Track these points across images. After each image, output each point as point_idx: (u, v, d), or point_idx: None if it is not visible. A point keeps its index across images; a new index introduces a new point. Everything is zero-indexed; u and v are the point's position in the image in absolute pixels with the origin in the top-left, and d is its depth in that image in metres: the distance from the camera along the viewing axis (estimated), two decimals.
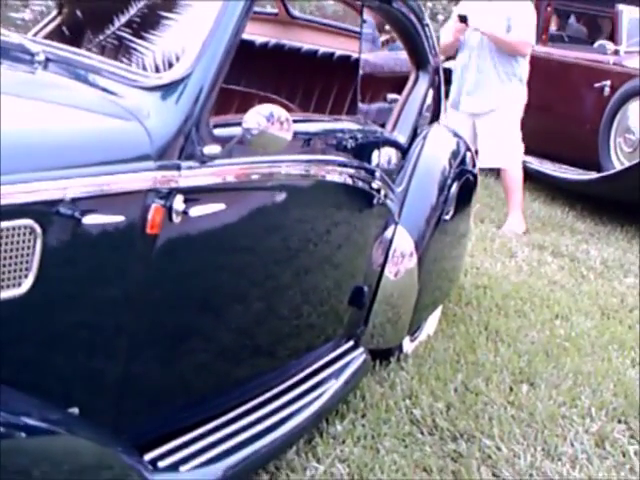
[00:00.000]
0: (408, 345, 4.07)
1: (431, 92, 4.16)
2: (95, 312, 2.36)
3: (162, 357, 2.61)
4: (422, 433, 3.41)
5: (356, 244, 3.43)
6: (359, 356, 3.60)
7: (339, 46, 4.36)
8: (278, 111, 2.50)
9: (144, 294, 2.44)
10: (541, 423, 3.53)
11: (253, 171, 2.68)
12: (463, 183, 4.16)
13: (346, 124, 3.38)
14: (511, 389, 3.81)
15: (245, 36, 4.37)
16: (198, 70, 2.51)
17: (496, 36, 6.27)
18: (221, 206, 2.56)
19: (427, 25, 3.98)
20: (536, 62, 7.62)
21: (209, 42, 2.55)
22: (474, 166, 4.42)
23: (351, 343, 3.65)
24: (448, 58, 6.60)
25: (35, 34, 4.02)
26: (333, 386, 3.34)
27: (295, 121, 3.08)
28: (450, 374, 3.84)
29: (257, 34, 4.42)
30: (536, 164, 7.50)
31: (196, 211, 2.47)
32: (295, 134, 2.82)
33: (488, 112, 6.43)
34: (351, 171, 3.22)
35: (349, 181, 3.21)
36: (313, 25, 4.56)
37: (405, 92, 3.92)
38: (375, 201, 3.46)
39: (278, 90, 4.04)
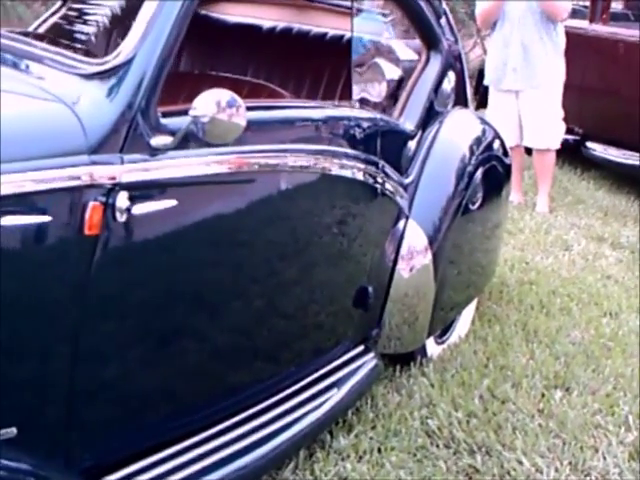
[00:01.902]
0: (433, 348, 3.77)
1: (452, 75, 3.84)
2: (31, 322, 2.13)
3: (123, 367, 2.37)
4: (437, 446, 3.11)
5: (355, 242, 3.14)
6: (369, 361, 3.32)
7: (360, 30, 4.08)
8: (229, 96, 2.25)
9: (87, 300, 2.20)
10: (571, 433, 3.19)
11: (211, 164, 2.41)
12: (490, 170, 3.83)
13: (338, 110, 3.10)
14: (543, 395, 3.47)
15: (252, 20, 4.21)
16: (141, 54, 2.27)
17: None
18: (173, 203, 2.31)
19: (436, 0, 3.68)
20: (600, 43, 7.24)
21: (153, 23, 2.31)
22: (505, 153, 4.08)
23: (361, 348, 3.35)
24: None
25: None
26: (335, 395, 3.08)
27: (270, 107, 2.86)
28: (476, 380, 3.52)
29: (268, 18, 4.18)
30: (600, 150, 7.08)
31: (143, 209, 2.24)
32: (265, 122, 2.58)
33: (534, 88, 6.13)
34: (344, 162, 2.93)
35: (341, 173, 2.93)
36: (330, 7, 4.28)
37: (414, 75, 3.61)
38: (377, 194, 3.16)
39: (285, 76, 3.79)
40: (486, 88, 6.72)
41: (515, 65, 6.15)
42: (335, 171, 2.89)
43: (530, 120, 6.24)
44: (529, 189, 6.67)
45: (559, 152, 6.50)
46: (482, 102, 8.22)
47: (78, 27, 3.74)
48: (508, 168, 4.13)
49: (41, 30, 3.86)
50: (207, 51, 4.07)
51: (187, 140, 2.30)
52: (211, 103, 2.23)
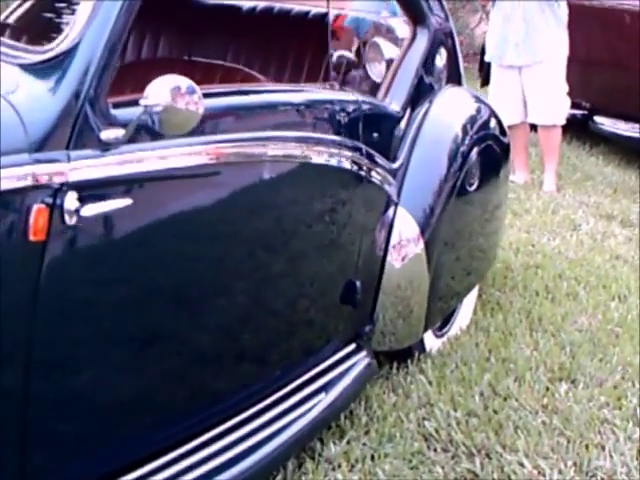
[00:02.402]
0: (432, 342, 3.58)
1: (443, 53, 3.65)
2: None
3: (83, 382, 2.19)
4: (434, 450, 2.94)
5: (339, 234, 2.95)
6: (361, 360, 3.14)
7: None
8: (183, 82, 2.07)
9: (35, 311, 2.01)
10: (576, 431, 3.00)
11: (170, 157, 2.22)
12: (486, 149, 3.63)
13: (313, 93, 2.91)
14: (547, 389, 3.28)
15: (232, 1, 4.03)
16: (87, 39, 2.07)
17: None
18: (128, 202, 2.12)
19: None
20: (604, 14, 7.01)
21: (99, 6, 2.11)
22: (502, 132, 3.88)
23: (353, 346, 3.17)
24: None
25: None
26: (324, 399, 2.90)
27: (238, 92, 2.67)
28: (476, 375, 3.33)
29: None
30: (608, 125, 6.87)
31: (95, 209, 2.05)
32: (232, 108, 2.42)
33: (537, 63, 5.94)
34: (321, 148, 2.74)
35: (319, 160, 2.74)
36: None
37: (400, 53, 3.42)
38: (361, 181, 2.97)
39: (265, 58, 3.61)
40: (489, 64, 6.52)
41: (517, 40, 5.95)
42: (313, 159, 2.71)
43: (534, 96, 6.06)
44: (536, 167, 6.46)
45: (566, 128, 6.32)
46: (486, 79, 8.02)
47: (36, 14, 3.57)
48: (506, 147, 3.94)
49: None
50: (186, 34, 3.90)
51: (141, 132, 2.12)
52: (164, 91, 2.05)
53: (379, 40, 3.38)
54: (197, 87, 2.08)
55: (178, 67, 3.22)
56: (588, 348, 3.57)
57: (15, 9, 3.57)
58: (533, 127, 6.35)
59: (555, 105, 6.05)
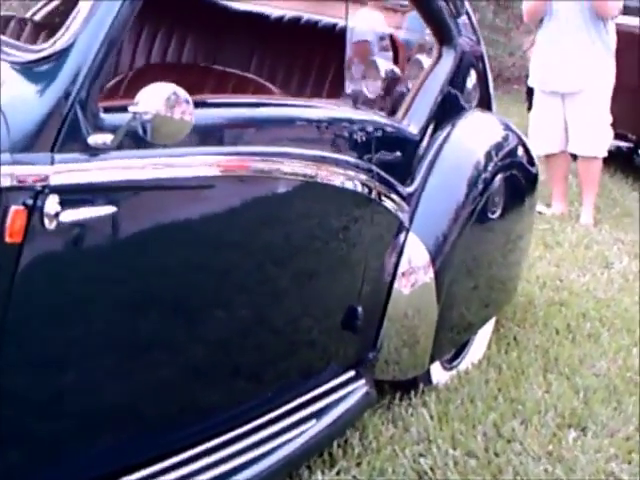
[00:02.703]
0: (440, 375, 3.43)
1: (473, 76, 3.51)
2: None
3: (60, 393, 2.10)
4: None
5: (342, 258, 2.83)
6: (360, 388, 3.01)
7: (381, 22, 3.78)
8: (175, 90, 1.98)
9: (9, 314, 1.93)
10: None
11: (161, 166, 2.13)
12: (510, 178, 3.51)
13: (323, 109, 2.79)
14: (554, 435, 3.11)
15: (260, 8, 3.93)
16: (81, 40, 2.01)
17: None
18: (111, 209, 2.03)
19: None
20: None
21: (97, 6, 2.03)
22: (531, 161, 3.73)
23: (352, 373, 3.04)
24: None
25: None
26: (314, 426, 2.77)
27: (241, 105, 2.57)
28: (481, 414, 3.18)
29: (285, 7, 3.90)
30: None
31: (77, 215, 1.97)
32: (232, 120, 2.37)
33: (581, 91, 5.74)
34: (327, 167, 2.63)
35: (324, 179, 2.62)
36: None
37: (423, 73, 3.29)
38: (368, 204, 2.84)
39: (289, 68, 3.50)
40: (532, 89, 6.36)
41: (562, 65, 5.78)
42: (316, 177, 2.60)
43: (576, 125, 5.87)
44: (575, 198, 6.27)
45: (609, 160, 6.14)
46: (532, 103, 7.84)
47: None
48: (534, 178, 3.79)
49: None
50: (212, 39, 3.82)
51: (131, 139, 2.03)
52: (154, 98, 1.96)
53: (382, 56, 3.24)
54: (189, 96, 2.00)
55: (192, 73, 3.15)
56: (603, 395, 3.40)
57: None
58: (574, 156, 6.16)
59: (597, 136, 5.86)
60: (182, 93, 1.98)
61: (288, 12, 3.82)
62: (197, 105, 2.05)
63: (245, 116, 2.49)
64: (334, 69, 3.37)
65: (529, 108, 7.98)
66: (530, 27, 10.94)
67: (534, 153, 6.10)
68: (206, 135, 2.26)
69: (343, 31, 3.47)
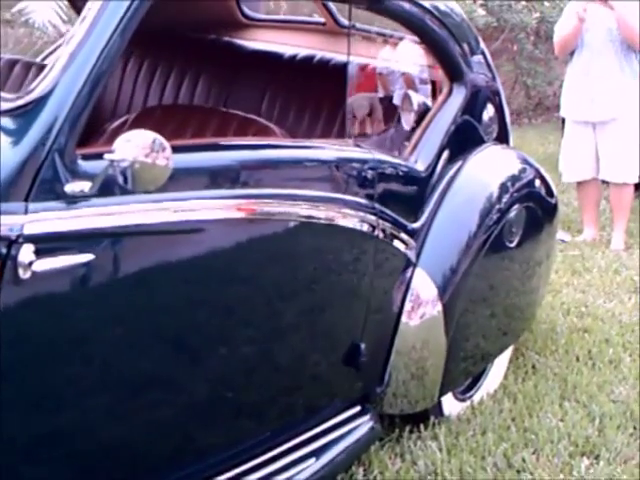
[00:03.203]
0: (453, 406, 3.40)
1: (489, 110, 3.51)
2: None
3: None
4: None
5: (343, 296, 2.82)
6: (365, 424, 2.99)
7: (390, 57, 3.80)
8: (152, 137, 2.00)
9: None
10: None
11: (143, 212, 2.16)
12: (527, 209, 3.49)
13: (321, 150, 2.81)
14: (566, 464, 3.07)
15: (273, 47, 3.98)
16: (59, 88, 2.03)
17: (626, 19, 5.54)
18: (89, 257, 2.05)
19: (461, 28, 3.35)
20: None
21: (77, 53, 2.07)
22: (550, 194, 3.72)
23: (357, 408, 3.03)
24: None
25: None
26: (316, 463, 2.77)
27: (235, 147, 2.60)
28: (492, 444, 3.14)
29: (302, 45, 3.95)
30: None
31: (52, 263, 1.98)
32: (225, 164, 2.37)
33: (613, 119, 5.74)
34: (329, 207, 2.64)
35: (322, 219, 2.63)
36: (368, 35, 4.01)
37: (432, 110, 3.29)
38: (371, 242, 2.84)
39: (300, 106, 3.54)
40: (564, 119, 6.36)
41: (593, 95, 5.78)
42: (316, 217, 2.60)
43: (607, 152, 5.87)
44: (608, 224, 6.21)
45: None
46: None
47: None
48: (552, 208, 3.77)
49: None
50: (224, 78, 3.88)
51: (109, 187, 2.05)
52: (131, 146, 1.98)
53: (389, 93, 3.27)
54: (165, 142, 2.00)
55: (195, 114, 3.19)
56: (619, 421, 3.34)
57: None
58: (606, 182, 6.13)
59: (627, 163, 5.85)
60: (159, 140, 1.99)
61: (302, 50, 3.85)
62: (179, 149, 2.07)
63: (240, 159, 2.51)
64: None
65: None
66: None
67: (565, 180, 6.16)
68: (198, 179, 2.28)
69: (357, 68, 3.53)
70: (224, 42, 4.04)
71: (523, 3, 10.07)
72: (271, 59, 3.96)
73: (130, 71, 3.98)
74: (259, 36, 4.15)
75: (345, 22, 3.88)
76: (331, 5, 3.79)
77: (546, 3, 10.24)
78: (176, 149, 2.07)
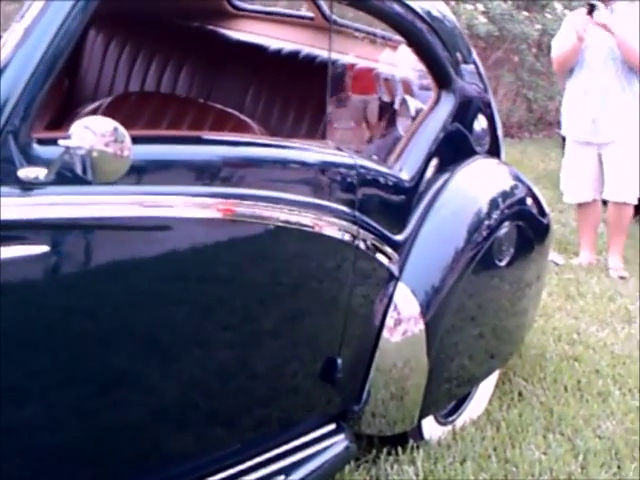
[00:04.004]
0: (434, 430, 3.27)
1: (481, 122, 3.38)
2: None
3: None
4: None
5: (318, 309, 2.70)
6: (339, 443, 2.87)
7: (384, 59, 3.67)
8: (113, 125, 1.87)
9: None
10: None
11: (98, 205, 2.02)
12: (518, 228, 3.35)
13: (305, 152, 2.67)
14: None
15: (259, 39, 3.85)
16: (11, 68, 1.90)
17: (626, 41, 5.38)
18: (43, 248, 1.93)
19: (452, 35, 3.21)
20: None
21: (32, 29, 1.93)
22: (542, 213, 3.58)
23: (332, 426, 2.89)
24: None
25: None
26: None
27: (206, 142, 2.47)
28: (470, 474, 3.01)
29: (289, 40, 3.81)
30: None
31: (2, 254, 1.86)
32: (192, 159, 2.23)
33: (615, 140, 5.61)
34: (306, 212, 2.51)
35: (298, 225, 2.49)
36: (354, 34, 3.88)
37: (420, 117, 3.15)
38: (350, 252, 2.70)
39: (285, 101, 3.40)
40: (564, 138, 6.24)
41: (594, 116, 5.64)
42: (290, 222, 2.47)
43: (609, 172, 5.75)
44: (604, 248, 6.09)
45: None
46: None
47: None
48: (545, 228, 3.63)
49: None
50: (209, 68, 3.75)
51: (66, 174, 1.92)
52: (89, 133, 1.85)
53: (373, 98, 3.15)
54: (125, 132, 1.87)
55: (171, 104, 3.06)
56: (604, 458, 3.21)
57: None
58: (604, 203, 6.00)
59: (629, 182, 5.73)
60: (118, 128, 1.87)
61: (287, 45, 3.72)
62: (150, 140, 1.94)
63: (213, 154, 2.38)
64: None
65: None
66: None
67: (567, 200, 6.04)
68: (167, 173, 2.17)
69: (344, 67, 3.39)
70: (209, 31, 3.92)
71: (525, 14, 9.91)
72: (256, 51, 3.83)
73: (111, 55, 3.85)
74: (246, 27, 4.03)
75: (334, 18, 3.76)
76: (320, 0, 3.65)
77: (548, 15, 10.08)
78: (146, 140, 1.94)
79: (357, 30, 3.72)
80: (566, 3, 10.22)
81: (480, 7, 9.58)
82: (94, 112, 3.08)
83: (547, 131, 11.21)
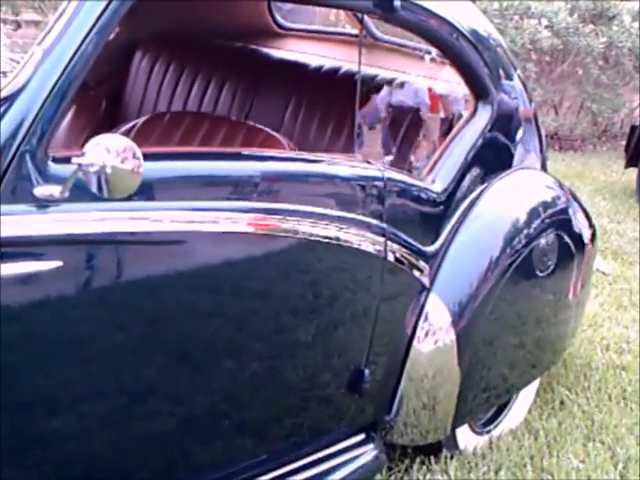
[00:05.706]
0: (469, 440, 3.24)
1: (525, 134, 3.36)
2: None
3: None
4: None
5: (345, 320, 2.68)
6: (368, 452, 2.86)
7: (426, 73, 3.68)
8: (124, 142, 1.90)
9: None
10: None
11: (118, 220, 2.07)
12: (559, 238, 3.31)
13: (335, 166, 2.67)
14: None
15: (299, 57, 3.89)
16: (31, 86, 1.95)
17: None
18: (57, 264, 1.97)
19: (494, 51, 3.20)
20: None
21: (51, 51, 1.99)
22: (586, 222, 3.54)
23: (361, 436, 2.89)
24: None
25: None
26: None
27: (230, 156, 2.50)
28: None
29: (334, 57, 3.85)
30: None
31: (17, 269, 1.91)
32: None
33: None
34: (335, 225, 2.51)
35: (327, 238, 2.50)
36: (398, 49, 3.90)
37: (455, 129, 3.14)
38: (377, 264, 2.69)
39: (323, 118, 3.44)
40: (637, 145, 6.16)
41: None
42: (320, 235, 2.48)
43: None
44: None
45: None
46: (632, 160, 7.62)
47: None
48: (589, 237, 3.57)
49: None
50: (249, 86, 3.80)
51: (80, 192, 1.97)
52: (101, 150, 1.89)
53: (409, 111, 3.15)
54: (137, 149, 1.91)
55: (202, 122, 3.11)
56: None
57: None
58: None
59: None
60: (129, 145, 1.91)
61: (328, 62, 3.75)
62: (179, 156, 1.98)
63: (240, 170, 2.40)
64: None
65: (627, 165, 7.75)
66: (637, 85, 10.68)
67: None
68: (193, 188, 2.21)
69: (382, 83, 3.41)
70: (251, 50, 3.97)
71: (591, 27, 9.82)
72: (296, 69, 3.87)
73: (155, 76, 3.92)
74: (289, 45, 4.08)
75: (379, 35, 3.79)
76: (365, 17, 3.66)
77: (615, 27, 9.98)
78: (176, 156, 1.98)
79: (395, 44, 3.73)
80: (636, 15, 10.14)
81: (544, 22, 9.53)
82: (129, 132, 3.14)
83: (611, 144, 11.06)
